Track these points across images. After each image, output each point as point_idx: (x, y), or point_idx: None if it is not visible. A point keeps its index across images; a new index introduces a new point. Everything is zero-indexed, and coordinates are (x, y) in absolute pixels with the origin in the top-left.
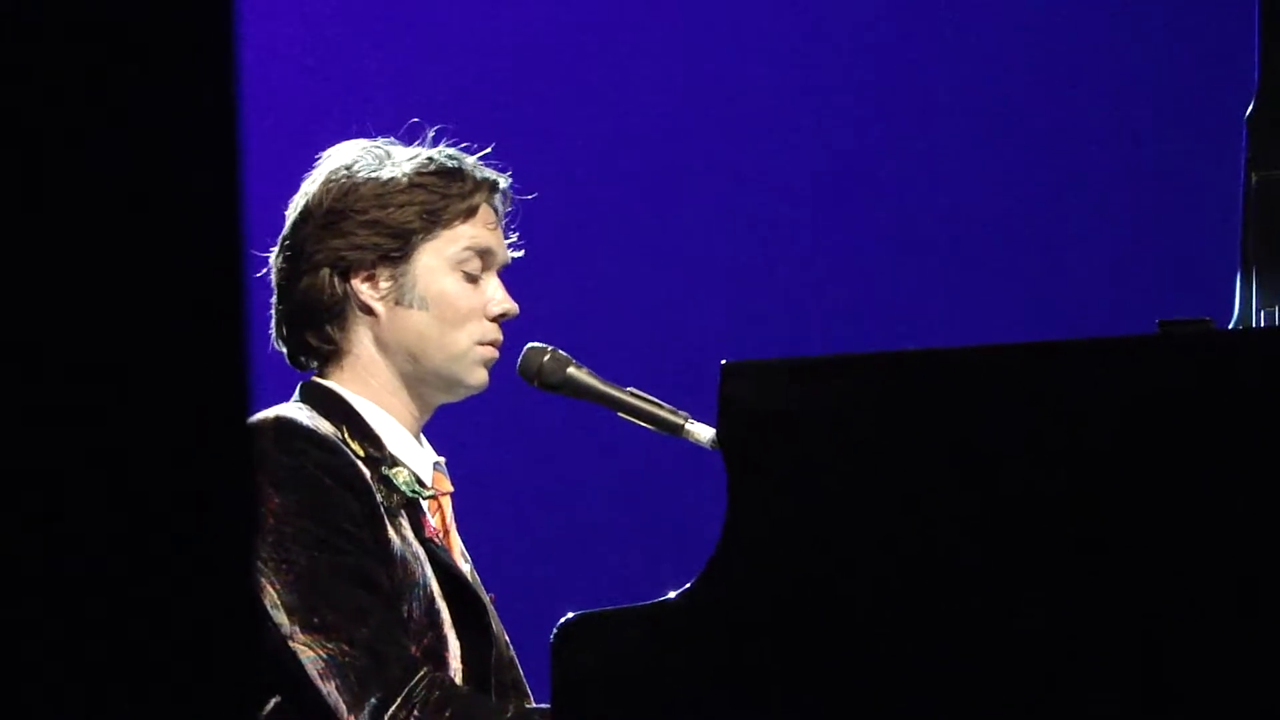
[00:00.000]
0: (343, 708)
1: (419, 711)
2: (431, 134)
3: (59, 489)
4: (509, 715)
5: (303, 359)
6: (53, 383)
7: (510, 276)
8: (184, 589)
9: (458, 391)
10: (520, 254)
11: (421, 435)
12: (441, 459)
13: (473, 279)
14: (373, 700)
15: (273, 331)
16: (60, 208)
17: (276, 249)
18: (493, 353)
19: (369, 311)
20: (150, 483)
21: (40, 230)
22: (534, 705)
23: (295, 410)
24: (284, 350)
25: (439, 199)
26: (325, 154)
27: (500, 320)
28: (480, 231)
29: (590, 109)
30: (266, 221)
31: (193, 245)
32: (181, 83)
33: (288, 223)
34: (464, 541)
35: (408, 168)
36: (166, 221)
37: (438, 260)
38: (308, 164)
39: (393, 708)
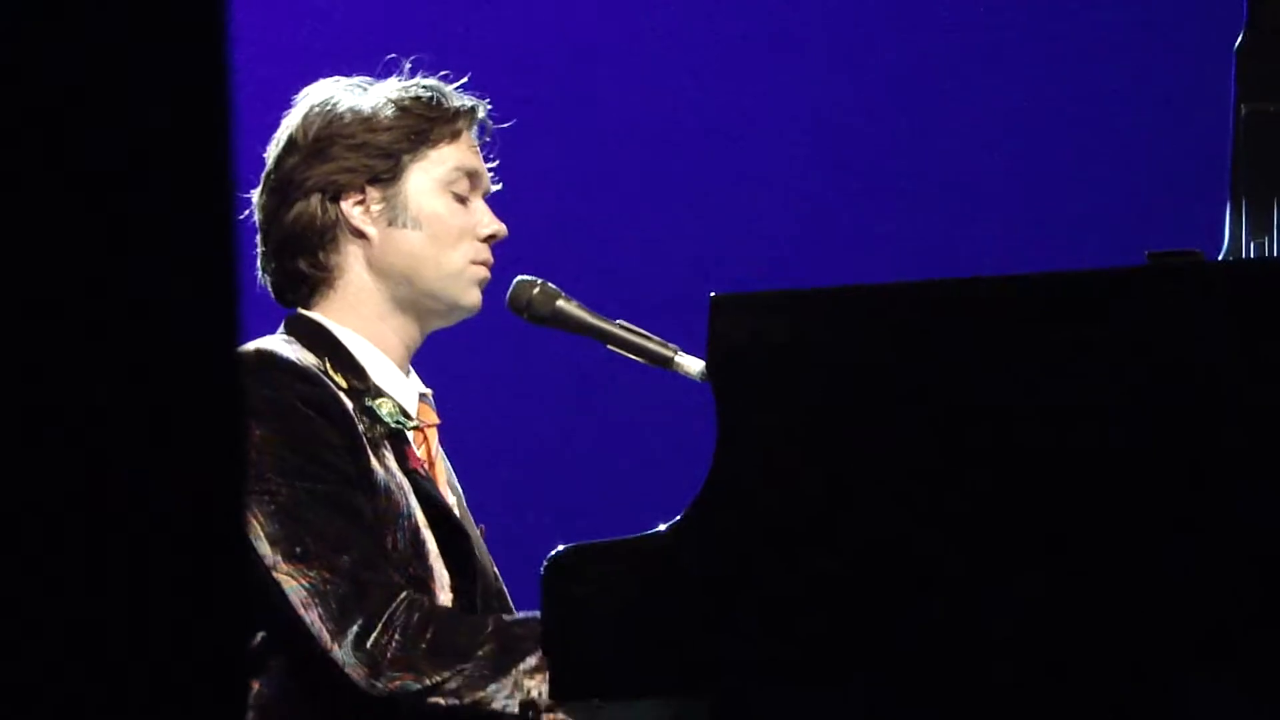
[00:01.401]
0: (325, 636)
1: (400, 635)
2: (408, 66)
3: (41, 422)
4: (490, 629)
5: (290, 295)
6: (41, 323)
7: (500, 209)
8: (171, 526)
9: (452, 314)
10: (498, 186)
11: (410, 366)
12: (429, 390)
13: (462, 200)
14: (354, 628)
15: (259, 268)
16: (51, 169)
17: (260, 186)
18: (485, 273)
19: (361, 235)
20: (134, 418)
21: (31, 191)
22: (516, 615)
23: (277, 343)
24: (270, 286)
25: (424, 121)
26: (303, 92)
27: (490, 242)
28: (466, 153)
29: (577, 40)
30: (248, 168)
31: (182, 187)
32: (171, 41)
33: (270, 158)
34: (455, 474)
35: (390, 95)
36: (155, 169)
37: (428, 181)
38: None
39: (374, 634)
